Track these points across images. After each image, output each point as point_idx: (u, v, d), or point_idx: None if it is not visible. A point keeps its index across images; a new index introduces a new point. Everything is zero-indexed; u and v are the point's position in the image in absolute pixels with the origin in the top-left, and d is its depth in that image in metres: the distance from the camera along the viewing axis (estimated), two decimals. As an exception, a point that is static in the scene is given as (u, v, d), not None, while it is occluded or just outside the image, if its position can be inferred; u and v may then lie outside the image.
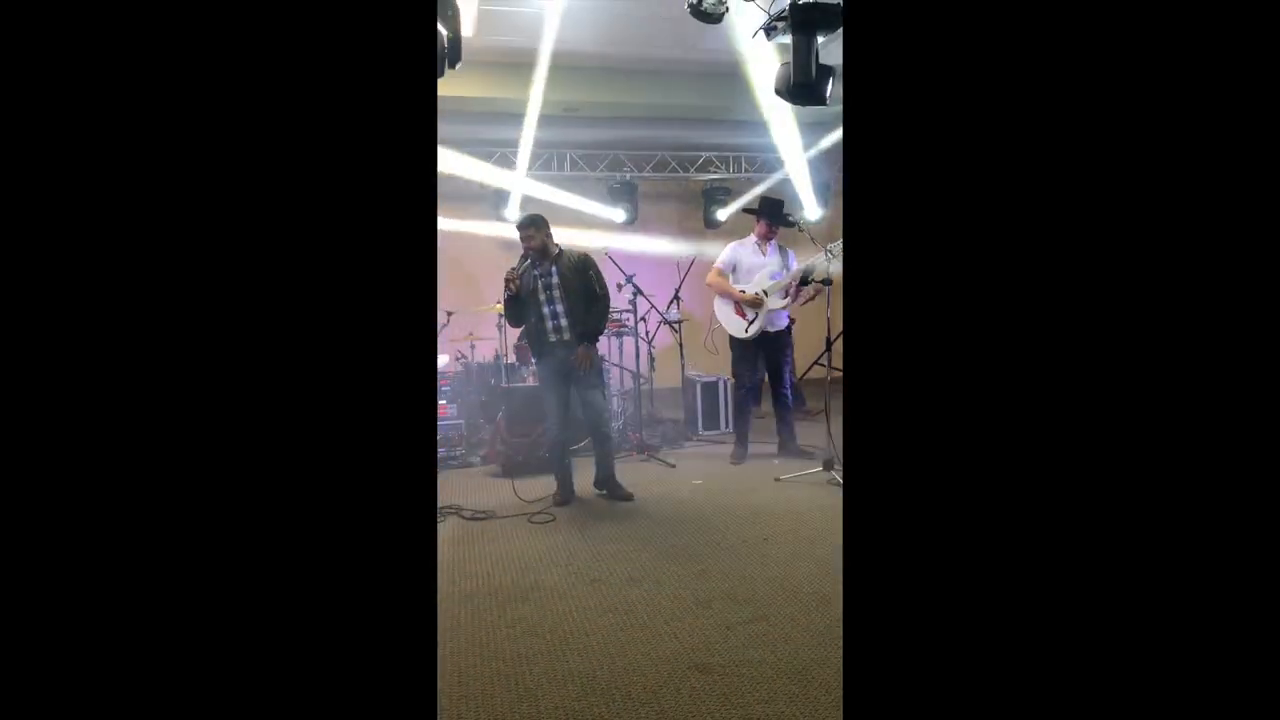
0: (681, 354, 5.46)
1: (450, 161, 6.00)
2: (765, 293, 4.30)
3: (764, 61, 4.58)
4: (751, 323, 4.32)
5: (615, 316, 5.15)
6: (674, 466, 4.44)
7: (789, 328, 4.46)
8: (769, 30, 3.37)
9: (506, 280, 3.53)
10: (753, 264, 4.38)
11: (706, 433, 5.41)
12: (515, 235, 3.64)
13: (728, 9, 3.32)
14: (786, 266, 4.38)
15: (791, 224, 4.55)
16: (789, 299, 4.32)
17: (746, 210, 4.69)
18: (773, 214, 4.45)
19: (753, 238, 4.45)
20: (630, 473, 4.14)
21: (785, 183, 6.70)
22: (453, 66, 2.92)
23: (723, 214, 7.32)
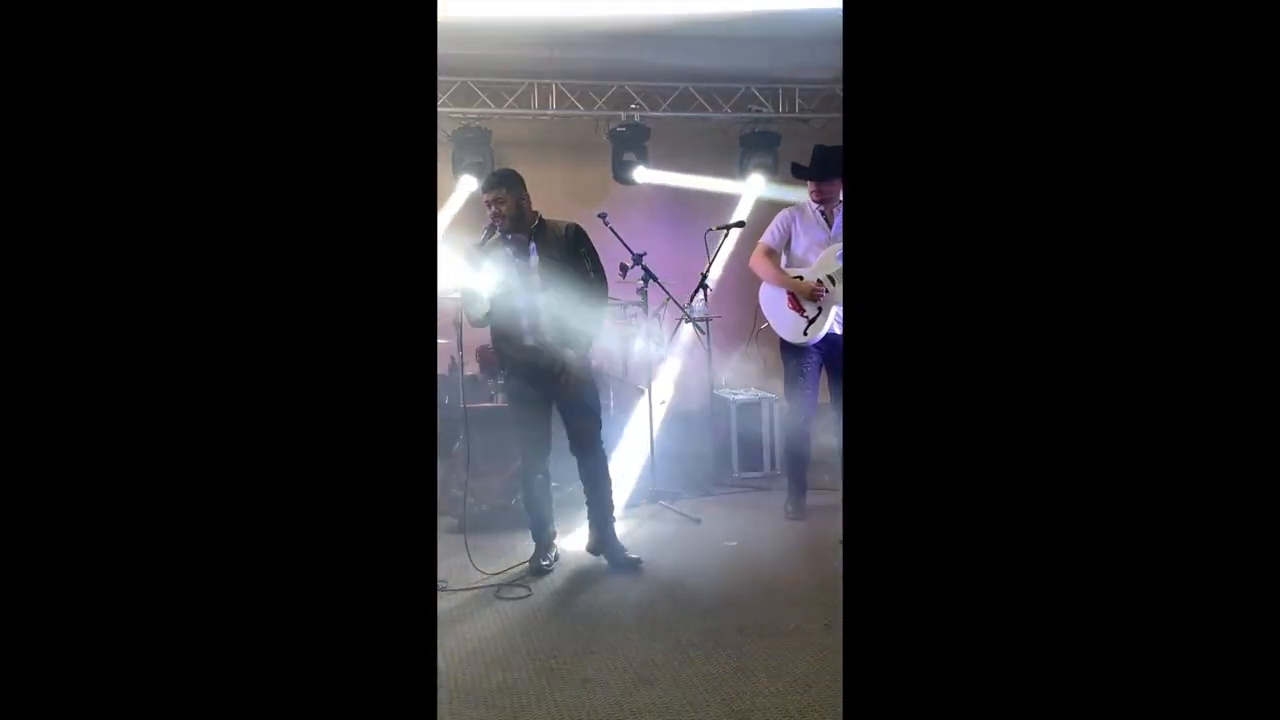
0: (710, 363, 5.47)
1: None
2: (831, 278, 4.18)
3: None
4: (812, 321, 4.21)
5: (619, 312, 5.16)
6: (699, 522, 4.46)
7: None
8: None
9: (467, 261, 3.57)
10: (812, 239, 4.26)
11: (745, 474, 5.43)
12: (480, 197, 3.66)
13: None
14: None
15: None
16: None
17: (796, 171, 4.41)
18: (830, 169, 4.17)
19: (810, 202, 4.31)
20: (637, 530, 4.15)
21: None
22: None
23: (759, 177, 7.12)
